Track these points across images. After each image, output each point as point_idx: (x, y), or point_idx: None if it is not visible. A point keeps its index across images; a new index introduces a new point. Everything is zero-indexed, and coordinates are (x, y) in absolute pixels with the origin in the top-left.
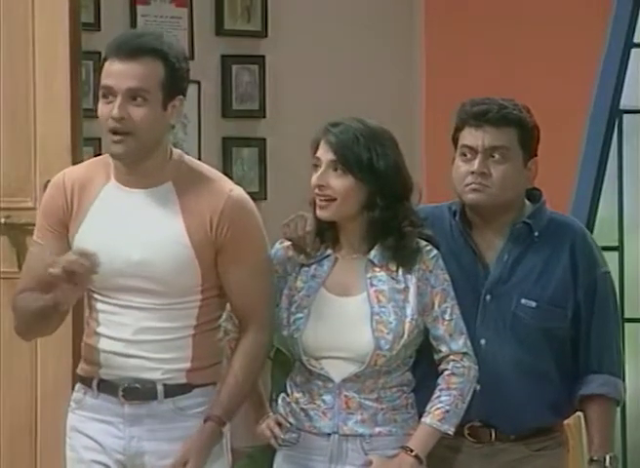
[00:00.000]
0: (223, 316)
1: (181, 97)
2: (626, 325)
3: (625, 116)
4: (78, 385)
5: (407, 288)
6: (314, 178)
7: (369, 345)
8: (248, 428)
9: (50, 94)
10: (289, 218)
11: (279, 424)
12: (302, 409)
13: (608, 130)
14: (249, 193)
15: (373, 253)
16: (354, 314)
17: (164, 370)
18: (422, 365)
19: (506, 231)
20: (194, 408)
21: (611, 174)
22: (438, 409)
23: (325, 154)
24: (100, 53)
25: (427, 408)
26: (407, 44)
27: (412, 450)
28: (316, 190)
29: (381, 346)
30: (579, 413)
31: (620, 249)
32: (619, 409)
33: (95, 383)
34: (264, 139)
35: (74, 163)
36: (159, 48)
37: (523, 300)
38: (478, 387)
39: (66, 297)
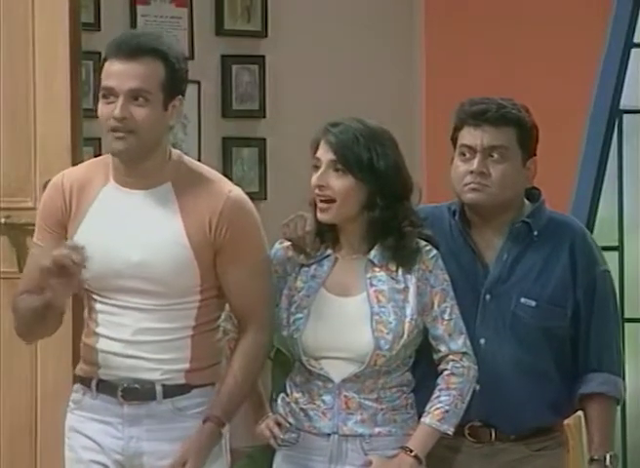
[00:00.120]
0: (222, 316)
1: (181, 97)
2: (626, 325)
3: (625, 116)
4: (77, 386)
5: (407, 288)
6: (314, 179)
7: (369, 345)
8: (247, 428)
9: (50, 94)
10: (288, 218)
11: (278, 424)
12: (302, 410)
13: (608, 130)
14: (249, 193)
15: (373, 253)
16: (354, 314)
17: (163, 371)
18: (422, 365)
19: (506, 230)
20: (193, 408)
21: (611, 174)
22: (438, 409)
23: (325, 154)
24: (100, 53)
25: (427, 408)
26: (407, 44)
27: (411, 451)
28: (316, 190)
29: (381, 346)
30: (579, 413)
31: (620, 249)
32: (619, 408)
33: (94, 384)
34: (264, 139)
35: (74, 163)
36: (159, 48)
37: (522, 300)
38: (478, 387)
39: (58, 294)
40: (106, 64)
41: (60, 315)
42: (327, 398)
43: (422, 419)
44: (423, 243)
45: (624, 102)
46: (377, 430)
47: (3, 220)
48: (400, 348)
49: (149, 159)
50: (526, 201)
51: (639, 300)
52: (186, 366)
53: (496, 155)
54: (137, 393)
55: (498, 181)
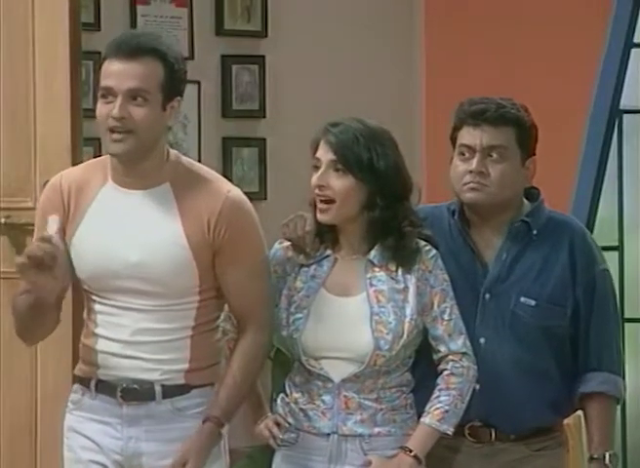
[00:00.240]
0: (222, 316)
1: (179, 98)
2: (626, 325)
3: (625, 116)
4: (76, 386)
5: (406, 288)
6: (314, 179)
7: (368, 345)
8: (247, 428)
9: (50, 94)
10: (288, 218)
11: (278, 424)
12: (301, 410)
13: (608, 130)
14: (249, 193)
15: (372, 253)
16: (354, 314)
17: (162, 371)
18: (422, 365)
19: (505, 230)
20: (192, 408)
21: (611, 174)
22: (437, 409)
23: (325, 154)
24: (99, 53)
25: (426, 408)
26: (407, 44)
27: (411, 451)
28: (316, 190)
29: (381, 346)
30: (578, 413)
31: (620, 249)
32: (619, 408)
33: (93, 384)
34: (264, 139)
35: (74, 163)
36: (159, 48)
37: (522, 299)
38: (478, 387)
39: (43, 289)
40: (105, 64)
41: (55, 312)
42: (326, 398)
43: (422, 419)
44: (423, 243)
45: (624, 102)
46: (376, 430)
47: (3, 220)
48: (400, 348)
49: (148, 159)
50: (525, 200)
51: (639, 300)
52: (186, 366)
53: (495, 155)
54: (136, 393)
55: (497, 181)
